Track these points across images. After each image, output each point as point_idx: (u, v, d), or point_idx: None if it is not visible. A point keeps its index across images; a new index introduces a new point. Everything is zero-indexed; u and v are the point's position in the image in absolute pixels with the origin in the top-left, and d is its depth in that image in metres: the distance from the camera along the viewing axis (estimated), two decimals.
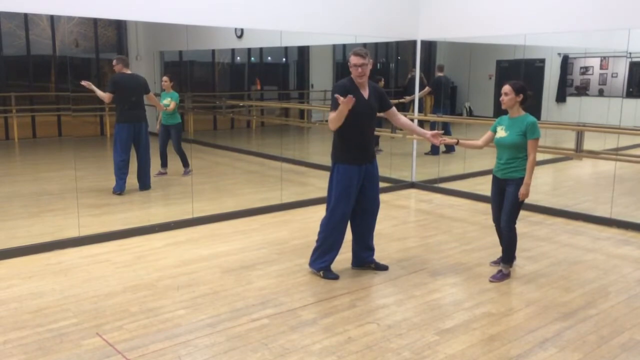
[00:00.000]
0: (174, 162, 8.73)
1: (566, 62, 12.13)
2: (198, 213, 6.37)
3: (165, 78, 8.55)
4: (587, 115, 11.15)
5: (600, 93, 11.91)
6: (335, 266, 4.72)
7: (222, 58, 13.11)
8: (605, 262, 5.11)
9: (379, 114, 4.72)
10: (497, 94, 4.70)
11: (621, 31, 6.52)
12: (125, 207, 6.99)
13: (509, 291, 4.44)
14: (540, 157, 5.28)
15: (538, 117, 7.38)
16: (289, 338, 3.58)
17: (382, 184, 5.43)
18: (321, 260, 4.65)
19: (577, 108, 11.90)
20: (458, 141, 4.89)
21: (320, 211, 5.35)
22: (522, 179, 4.48)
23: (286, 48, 13.58)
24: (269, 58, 14.23)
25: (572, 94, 12.23)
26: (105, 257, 5.14)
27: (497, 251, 4.93)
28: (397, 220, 6.55)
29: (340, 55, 12.88)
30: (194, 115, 11.80)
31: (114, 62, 7.49)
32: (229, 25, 8.00)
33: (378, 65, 13.42)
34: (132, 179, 7.59)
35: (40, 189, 7.91)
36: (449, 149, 10.04)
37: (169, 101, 8.39)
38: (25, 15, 11.66)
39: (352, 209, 4.62)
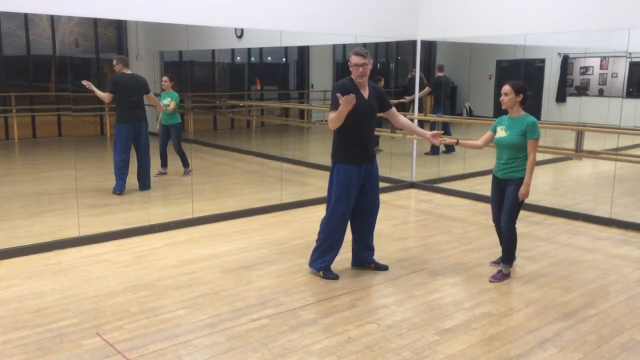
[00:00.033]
0: (174, 162, 8.73)
1: (566, 62, 12.13)
2: (198, 213, 6.37)
3: (165, 78, 8.55)
4: (587, 115, 11.15)
5: (600, 93, 11.91)
6: (335, 266, 4.72)
7: (222, 58, 13.11)
8: (605, 262, 5.11)
9: (378, 114, 4.73)
10: (497, 94, 4.70)
11: (621, 31, 6.52)
12: (125, 207, 6.99)
13: (509, 291, 4.44)
14: (540, 157, 5.28)
15: (538, 117, 7.38)
16: (289, 338, 3.58)
17: (382, 184, 5.43)
18: (321, 260, 4.65)
19: (577, 108, 11.90)
20: (458, 141, 4.89)
21: (320, 211, 5.35)
22: (522, 179, 4.48)
23: (286, 48, 13.58)
24: (269, 58, 14.23)
25: (572, 94, 12.23)
26: (105, 257, 5.14)
27: (497, 251, 4.93)
28: (397, 220, 6.55)
29: (340, 55, 12.88)
30: (194, 115, 11.80)
31: (114, 62, 7.49)
32: (229, 25, 8.00)
33: (378, 65, 13.42)
34: (132, 179, 7.59)
35: (40, 189, 7.91)
36: (449, 149, 10.04)
37: (168, 101, 8.39)
38: (25, 15, 11.66)
39: (352, 209, 4.62)
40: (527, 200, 4.68)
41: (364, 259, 4.84)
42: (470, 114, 12.54)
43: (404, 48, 13.27)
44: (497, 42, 9.26)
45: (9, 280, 4.54)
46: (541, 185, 8.59)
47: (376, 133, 6.96)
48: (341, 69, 12.27)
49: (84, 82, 7.08)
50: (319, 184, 7.89)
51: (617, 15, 6.10)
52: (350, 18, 7.37)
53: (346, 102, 4.16)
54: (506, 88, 4.51)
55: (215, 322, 3.79)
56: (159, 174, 8.57)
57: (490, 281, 4.60)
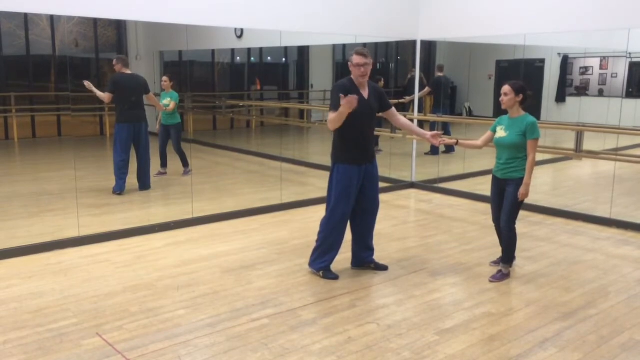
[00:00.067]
0: (174, 162, 8.73)
1: (566, 62, 12.13)
2: (198, 213, 6.37)
3: (165, 78, 8.55)
4: (587, 115, 11.15)
5: (600, 93, 11.91)
6: (335, 266, 4.72)
7: (222, 58, 13.11)
8: (605, 262, 5.12)
9: (378, 114, 4.73)
10: (497, 94, 4.70)
11: (621, 31, 6.52)
12: (125, 207, 6.99)
13: (509, 291, 4.45)
14: (540, 157, 5.28)
15: (538, 117, 7.39)
16: (289, 338, 3.59)
17: (382, 184, 5.43)
18: (321, 260, 4.65)
19: (577, 108, 11.90)
20: (457, 141, 4.90)
21: (320, 211, 5.35)
22: (521, 179, 4.48)
23: (286, 48, 13.59)
24: (269, 58, 14.23)
25: (571, 94, 12.23)
26: (105, 257, 5.14)
27: (497, 251, 4.93)
28: (397, 220, 6.56)
29: (340, 55, 12.88)
30: (193, 115, 11.80)
31: (114, 62, 7.49)
32: (229, 25, 8.00)
33: (378, 65, 13.42)
34: (132, 179, 7.59)
35: (40, 189, 7.92)
36: (449, 149, 10.05)
37: (168, 101, 8.39)
38: (25, 15, 11.66)
39: (352, 209, 4.62)
40: (527, 201, 4.68)
41: (363, 259, 4.84)
42: (470, 114, 12.54)
43: (404, 48, 13.27)
44: (497, 42, 9.26)
45: (9, 280, 4.54)
46: (541, 185, 8.60)
47: (376, 133, 6.96)
48: (341, 69, 12.28)
49: (85, 83, 7.08)
50: (318, 184, 7.89)
51: (617, 15, 6.11)
52: (350, 18, 7.37)
53: (348, 104, 4.14)
54: (506, 88, 4.51)
55: (215, 322, 3.79)
56: (158, 174, 8.57)
57: (490, 281, 4.60)
